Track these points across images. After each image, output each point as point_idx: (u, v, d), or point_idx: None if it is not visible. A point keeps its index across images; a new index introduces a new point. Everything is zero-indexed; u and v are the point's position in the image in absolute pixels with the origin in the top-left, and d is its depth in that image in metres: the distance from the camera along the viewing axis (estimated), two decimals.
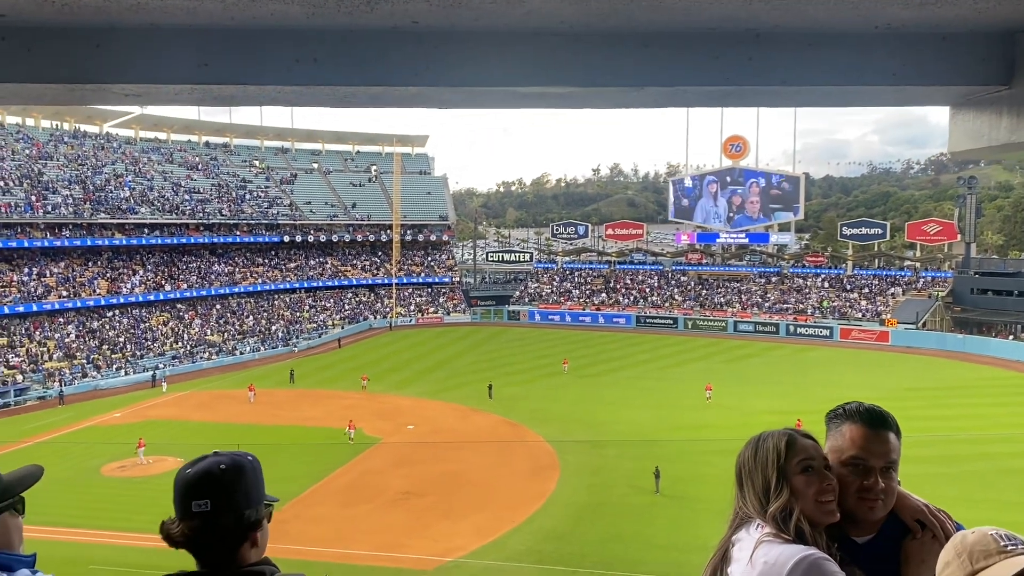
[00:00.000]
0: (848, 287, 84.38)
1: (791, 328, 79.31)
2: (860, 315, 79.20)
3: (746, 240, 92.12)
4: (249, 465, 2.24)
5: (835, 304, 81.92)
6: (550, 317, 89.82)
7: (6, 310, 62.79)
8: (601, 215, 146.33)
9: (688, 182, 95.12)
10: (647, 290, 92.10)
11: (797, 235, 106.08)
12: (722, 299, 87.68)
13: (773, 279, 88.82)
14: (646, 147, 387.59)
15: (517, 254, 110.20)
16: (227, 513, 2.15)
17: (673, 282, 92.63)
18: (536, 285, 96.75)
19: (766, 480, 2.50)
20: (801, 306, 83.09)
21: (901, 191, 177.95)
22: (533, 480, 36.03)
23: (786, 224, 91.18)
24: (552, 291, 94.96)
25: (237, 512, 2.16)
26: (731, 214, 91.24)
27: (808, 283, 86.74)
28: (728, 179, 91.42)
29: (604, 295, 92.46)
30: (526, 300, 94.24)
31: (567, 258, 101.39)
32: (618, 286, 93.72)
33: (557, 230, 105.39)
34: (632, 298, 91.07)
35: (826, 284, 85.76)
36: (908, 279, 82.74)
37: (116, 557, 27.95)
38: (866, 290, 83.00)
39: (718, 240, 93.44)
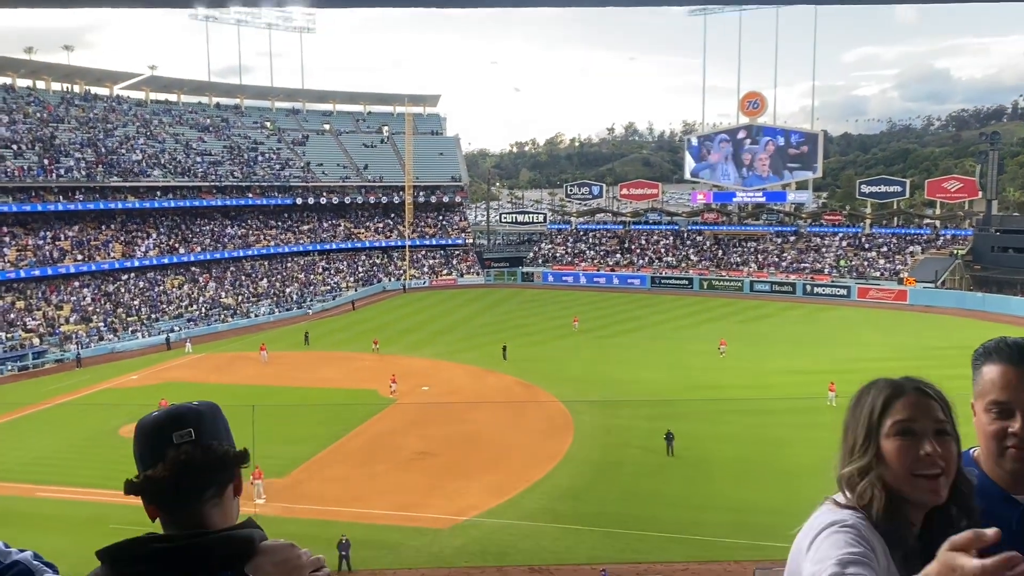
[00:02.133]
0: (866, 246, 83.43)
1: (808, 287, 78.66)
2: (878, 274, 78.41)
3: (763, 199, 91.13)
4: (220, 409, 2.05)
5: (853, 263, 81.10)
6: (564, 278, 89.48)
7: (22, 274, 63.12)
8: (615, 175, 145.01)
9: (704, 140, 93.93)
10: (662, 250, 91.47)
11: (815, 193, 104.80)
12: (738, 259, 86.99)
13: (790, 238, 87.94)
14: (661, 105, 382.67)
15: (531, 215, 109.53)
16: (212, 438, 1.93)
17: (688, 242, 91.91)
18: (550, 246, 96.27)
19: (854, 438, 2.17)
20: (818, 265, 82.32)
21: (921, 148, 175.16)
22: (548, 440, 36.04)
23: (803, 182, 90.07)
24: (566, 252, 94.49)
25: (221, 440, 1.96)
26: (748, 173, 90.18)
27: (825, 242, 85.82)
28: (745, 137, 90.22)
29: (619, 256, 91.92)
30: (540, 261, 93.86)
31: (581, 219, 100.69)
32: (633, 246, 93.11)
33: (571, 190, 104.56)
34: (647, 258, 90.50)
35: (844, 243, 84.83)
36: (927, 237, 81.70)
37: (135, 517, 28.13)
38: (884, 249, 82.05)
39: (734, 199, 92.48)
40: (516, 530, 26.97)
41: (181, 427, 1.90)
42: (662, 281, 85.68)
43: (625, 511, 28.16)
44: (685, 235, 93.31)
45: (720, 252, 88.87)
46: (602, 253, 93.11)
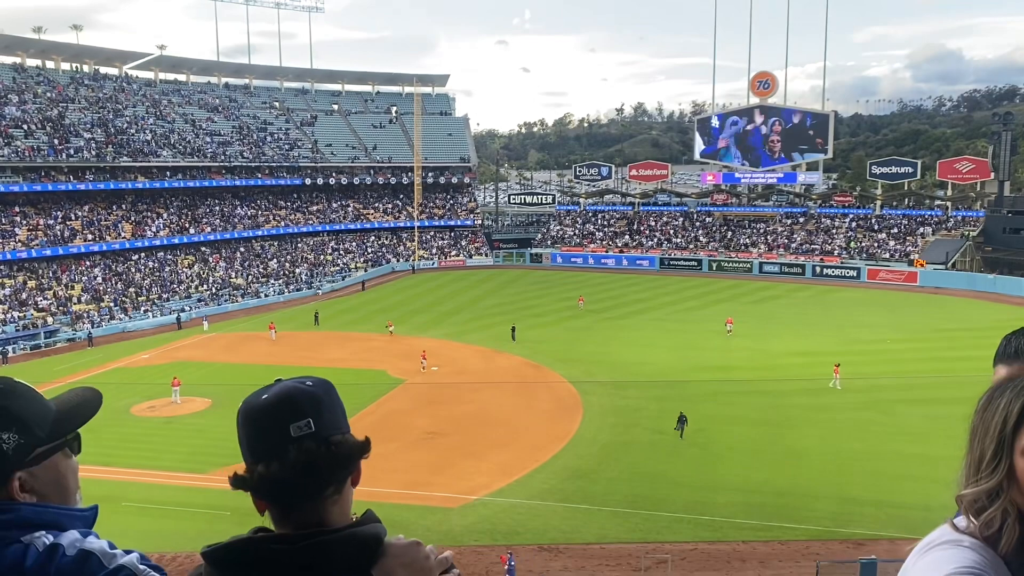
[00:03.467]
0: (876, 227, 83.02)
1: (817, 269, 78.43)
2: (888, 255, 78.09)
3: (773, 180, 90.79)
4: (333, 385, 1.81)
5: (863, 244, 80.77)
6: (573, 259, 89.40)
7: (34, 253, 63.46)
8: (625, 156, 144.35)
9: (714, 121, 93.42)
10: (671, 231, 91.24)
11: (825, 175, 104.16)
12: (747, 240, 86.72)
13: (800, 219, 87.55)
14: (671, 86, 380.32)
15: (539, 196, 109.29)
16: (333, 433, 1.69)
17: (698, 223, 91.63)
18: (559, 227, 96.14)
19: (981, 450, 1.68)
20: (828, 247, 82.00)
21: (932, 129, 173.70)
22: (557, 420, 36.20)
23: (814, 163, 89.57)
24: (575, 233, 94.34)
25: (342, 431, 1.72)
26: (758, 153, 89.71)
27: (835, 223, 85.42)
28: (755, 117, 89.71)
29: (627, 237, 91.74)
30: (548, 243, 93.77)
31: (590, 200, 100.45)
32: (642, 228, 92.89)
33: (580, 171, 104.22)
34: (656, 240, 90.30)
35: (854, 224, 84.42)
36: (938, 219, 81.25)
37: (147, 495, 28.54)
38: (895, 230, 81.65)
39: (744, 180, 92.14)
40: (525, 509, 27.18)
41: (299, 417, 1.65)
42: (671, 262, 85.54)
43: (634, 491, 28.33)
44: (694, 216, 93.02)
45: (729, 233, 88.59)
46: (611, 234, 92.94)
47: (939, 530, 1.70)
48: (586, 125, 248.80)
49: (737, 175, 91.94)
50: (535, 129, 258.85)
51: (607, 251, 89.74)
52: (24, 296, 59.64)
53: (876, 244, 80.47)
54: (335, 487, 1.71)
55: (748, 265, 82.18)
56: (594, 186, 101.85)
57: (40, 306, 59.13)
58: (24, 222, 66.17)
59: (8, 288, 59.77)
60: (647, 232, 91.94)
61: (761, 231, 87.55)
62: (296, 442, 1.64)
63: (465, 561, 23.87)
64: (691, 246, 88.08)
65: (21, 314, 57.09)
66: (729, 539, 25.07)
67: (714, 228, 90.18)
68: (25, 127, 70.55)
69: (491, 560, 24.15)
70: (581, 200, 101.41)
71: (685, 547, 24.50)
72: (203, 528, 26.23)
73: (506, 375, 43.65)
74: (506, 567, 22.40)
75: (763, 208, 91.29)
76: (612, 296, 68.55)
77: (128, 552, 1.64)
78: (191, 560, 23.69)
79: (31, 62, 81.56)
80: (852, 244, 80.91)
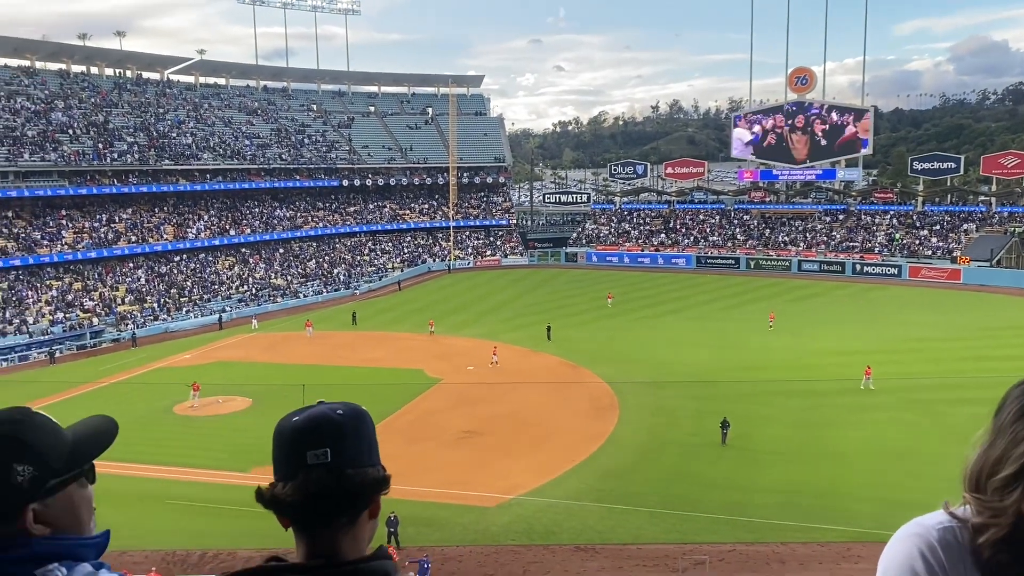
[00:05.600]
0: (918, 224, 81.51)
1: (858, 267, 77.27)
2: (930, 253, 76.62)
3: (811, 177, 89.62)
4: (367, 415, 1.83)
5: (904, 241, 79.36)
6: (608, 258, 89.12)
7: (79, 255, 64.93)
8: (660, 154, 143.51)
9: (751, 117, 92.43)
10: (708, 230, 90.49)
11: (865, 171, 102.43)
12: (786, 238, 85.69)
13: (839, 217, 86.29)
14: (707, 83, 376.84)
15: (574, 195, 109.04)
16: (350, 465, 1.71)
17: (735, 221, 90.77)
18: (594, 226, 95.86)
19: (1004, 450, 1.53)
20: (868, 244, 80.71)
21: (976, 123, 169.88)
22: (593, 420, 36.14)
23: (853, 160, 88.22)
24: (610, 232, 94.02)
25: (361, 465, 1.74)
26: (796, 150, 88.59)
27: (876, 220, 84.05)
28: (793, 113, 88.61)
29: (663, 235, 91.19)
30: (583, 242, 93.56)
31: (625, 198, 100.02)
32: (678, 226, 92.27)
33: (615, 170, 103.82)
34: (692, 238, 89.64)
35: (895, 221, 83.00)
36: (982, 215, 79.49)
37: (190, 492, 29.07)
38: (937, 227, 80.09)
39: (782, 177, 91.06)
40: (562, 509, 27.19)
41: (317, 445, 1.70)
42: (708, 261, 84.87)
43: (671, 492, 28.19)
44: (731, 214, 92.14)
45: (767, 231, 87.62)
46: (646, 233, 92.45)
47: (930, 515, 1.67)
48: (621, 123, 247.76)
49: (775, 172, 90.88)
50: (570, 128, 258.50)
51: (643, 250, 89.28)
52: (70, 297, 61.05)
53: (918, 241, 79.00)
54: (348, 518, 1.72)
55: (787, 263, 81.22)
56: (629, 184, 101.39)
57: (86, 307, 60.48)
58: (70, 225, 67.75)
59: (55, 289, 61.24)
60: (683, 230, 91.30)
61: (800, 229, 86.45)
62: (309, 469, 1.69)
63: (502, 560, 23.99)
64: (728, 244, 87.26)
65: (67, 315, 58.43)
66: (768, 540, 24.84)
67: (752, 226, 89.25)
68: (71, 132, 72.22)
69: (528, 560, 24.22)
70: (616, 199, 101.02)
71: (723, 548, 24.33)
72: (243, 526, 26.63)
73: (542, 375, 43.66)
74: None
75: (802, 205, 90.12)
76: (648, 295, 68.20)
77: None
78: (232, 557, 24.14)
79: (76, 68, 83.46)
80: (896, 239, 79.52)
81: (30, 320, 56.44)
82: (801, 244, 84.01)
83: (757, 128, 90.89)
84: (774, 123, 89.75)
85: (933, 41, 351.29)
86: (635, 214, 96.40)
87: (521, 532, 25.85)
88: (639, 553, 24.49)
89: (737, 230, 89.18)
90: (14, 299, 58.47)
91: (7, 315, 56.09)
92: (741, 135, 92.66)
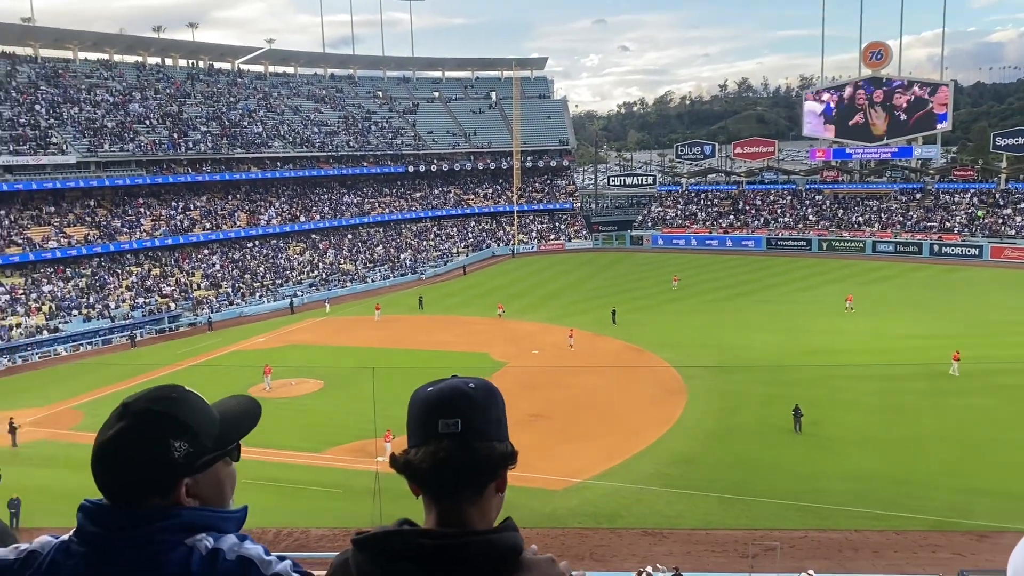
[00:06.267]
0: (1001, 202, 78.20)
1: (935, 247, 74.69)
2: (1014, 232, 73.46)
3: (887, 155, 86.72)
4: (498, 392, 1.88)
5: (986, 221, 76.26)
6: (674, 241, 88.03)
7: (157, 242, 67.20)
8: (728, 133, 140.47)
9: (823, 95, 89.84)
10: (778, 211, 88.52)
11: (943, 148, 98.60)
12: (860, 218, 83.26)
13: (916, 196, 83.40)
14: (776, 60, 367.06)
15: (639, 177, 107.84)
16: (478, 437, 1.76)
17: (807, 202, 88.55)
18: (660, 209, 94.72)
19: None
20: (947, 224, 77.84)
21: None
22: (659, 405, 35.87)
23: (931, 136, 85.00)
24: (676, 214, 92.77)
25: (489, 438, 1.79)
26: (871, 127, 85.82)
27: (955, 199, 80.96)
28: (868, 89, 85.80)
29: (732, 217, 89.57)
30: (649, 224, 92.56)
31: (692, 180, 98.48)
32: (747, 207, 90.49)
33: (681, 150, 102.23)
34: (762, 220, 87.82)
35: (975, 200, 79.79)
36: None
37: (265, 472, 29.84)
38: (1022, 205, 76.69)
39: (856, 156, 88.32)
40: (629, 493, 27.11)
41: (449, 414, 1.76)
42: (778, 243, 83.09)
43: (739, 478, 27.81)
44: (803, 194, 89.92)
45: (840, 211, 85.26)
46: (714, 215, 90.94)
47: None
48: (688, 103, 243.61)
49: (848, 150, 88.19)
50: (635, 109, 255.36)
51: (710, 232, 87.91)
52: (149, 283, 63.25)
53: (1001, 220, 75.83)
54: (473, 490, 1.77)
55: (861, 244, 78.99)
56: (697, 165, 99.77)
57: (164, 292, 62.59)
58: (148, 213, 70.11)
59: (135, 275, 63.54)
60: (752, 212, 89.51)
61: (874, 209, 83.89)
62: (440, 438, 1.75)
63: (568, 543, 24.06)
64: (799, 225, 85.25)
65: (147, 300, 60.58)
66: (841, 528, 24.33)
67: (824, 206, 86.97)
68: (147, 122, 74.61)
69: (594, 543, 24.24)
70: (683, 180, 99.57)
71: (794, 535, 23.93)
72: (317, 506, 27.35)
73: (607, 359, 43.48)
74: None
75: (876, 184, 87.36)
76: (716, 278, 67.20)
77: (282, 559, 1.75)
78: (305, 535, 24.77)
79: (152, 60, 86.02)
80: (978, 218, 76.41)
81: (112, 305, 58.69)
82: (876, 224, 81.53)
83: (829, 105, 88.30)
84: (847, 99, 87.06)
85: (1017, 11, 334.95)
86: (702, 195, 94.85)
87: (587, 515, 25.88)
88: (708, 538, 24.28)
89: (809, 211, 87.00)
90: (97, 285, 60.88)
91: (91, 300, 58.46)
92: (813, 112, 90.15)
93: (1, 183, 61.14)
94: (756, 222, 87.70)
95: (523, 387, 39.43)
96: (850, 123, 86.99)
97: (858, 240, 79.63)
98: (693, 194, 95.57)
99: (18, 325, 53.05)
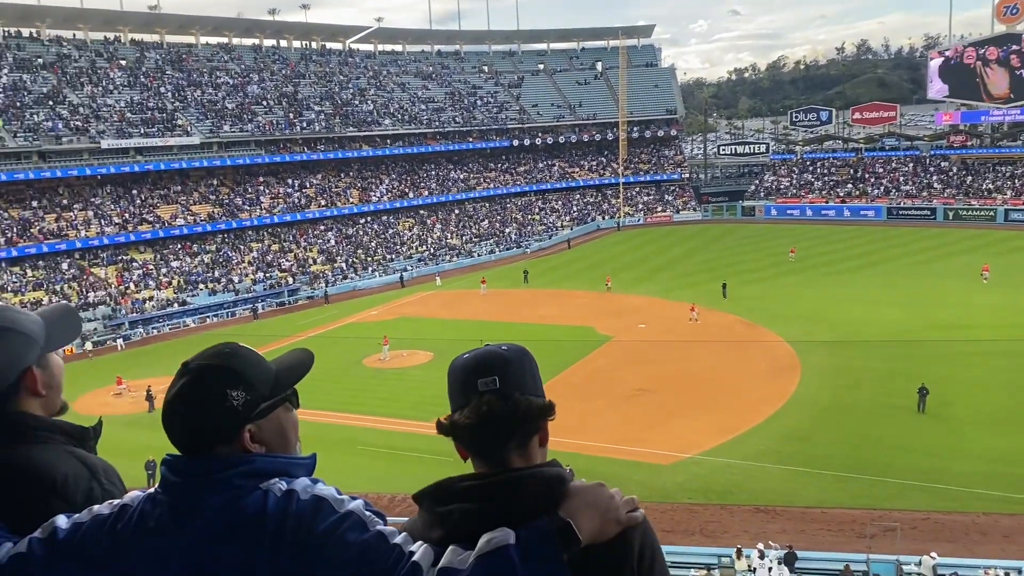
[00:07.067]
0: None
1: None
2: None
3: (1022, 117, 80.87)
4: (530, 353, 1.99)
5: None
6: (788, 212, 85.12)
7: (276, 219, 70.01)
8: (846, 98, 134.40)
9: (951, 54, 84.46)
10: (900, 179, 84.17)
11: None
12: (990, 185, 78.24)
13: None
14: (899, 19, 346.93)
15: (751, 146, 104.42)
16: (517, 390, 1.87)
17: (932, 168, 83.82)
18: (773, 178, 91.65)
19: None
20: None
21: None
22: (772, 380, 34.95)
23: None
24: (791, 184, 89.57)
25: (526, 391, 1.89)
26: (1004, 88, 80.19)
27: None
28: (1001, 47, 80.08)
29: (850, 186, 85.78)
30: (761, 195, 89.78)
31: (807, 147, 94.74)
32: (866, 175, 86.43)
33: (796, 117, 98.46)
34: (883, 188, 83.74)
35: None
36: None
37: (379, 439, 30.93)
38: None
39: (986, 119, 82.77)
40: (740, 469, 26.63)
41: (487, 374, 1.87)
42: (900, 212, 79.15)
43: (857, 456, 26.86)
44: (927, 161, 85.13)
45: (969, 178, 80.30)
46: (831, 184, 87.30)
47: None
48: (802, 67, 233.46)
49: (978, 113, 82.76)
50: (746, 75, 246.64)
51: (827, 202, 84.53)
52: (269, 258, 66.05)
53: None
54: (517, 441, 1.87)
55: (991, 213, 74.31)
56: (812, 132, 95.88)
57: (283, 267, 65.24)
58: (267, 191, 73.05)
59: (256, 251, 66.46)
60: (872, 180, 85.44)
61: (1007, 175, 78.61)
62: (481, 395, 1.86)
63: (678, 518, 23.89)
64: (924, 194, 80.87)
65: (267, 275, 63.32)
66: (968, 510, 23.22)
67: (951, 173, 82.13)
68: (264, 103, 77.51)
69: (705, 519, 23.99)
70: (798, 148, 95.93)
71: (916, 516, 22.99)
72: (428, 472, 27.92)
73: (717, 333, 42.62)
74: None
75: (1010, 149, 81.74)
76: (833, 250, 64.69)
77: (354, 498, 1.84)
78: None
79: (267, 42, 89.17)
80: None
81: (235, 279, 61.64)
82: (1008, 192, 76.45)
83: (957, 65, 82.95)
84: (978, 58, 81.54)
85: None
86: (819, 164, 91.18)
87: (697, 491, 25.58)
88: (823, 517, 23.63)
89: (934, 178, 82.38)
90: (221, 260, 64.05)
91: (216, 275, 61.59)
92: (939, 73, 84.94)
93: (133, 164, 64.95)
94: (876, 191, 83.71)
95: (629, 361, 39.24)
96: (980, 84, 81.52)
97: (988, 208, 74.93)
98: (808, 162, 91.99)
99: (151, 298, 56.54)
